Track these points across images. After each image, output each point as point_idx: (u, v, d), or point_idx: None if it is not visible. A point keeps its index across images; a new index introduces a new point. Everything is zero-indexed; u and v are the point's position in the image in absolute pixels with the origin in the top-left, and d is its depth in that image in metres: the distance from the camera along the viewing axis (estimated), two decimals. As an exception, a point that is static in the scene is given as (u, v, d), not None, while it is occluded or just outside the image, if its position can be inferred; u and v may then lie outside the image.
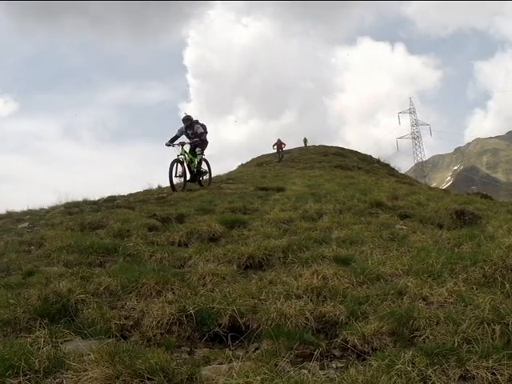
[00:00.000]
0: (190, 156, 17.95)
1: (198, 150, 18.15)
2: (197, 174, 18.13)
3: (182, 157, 17.47)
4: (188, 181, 17.70)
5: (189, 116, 18.30)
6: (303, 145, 57.91)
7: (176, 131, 18.21)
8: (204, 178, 18.80)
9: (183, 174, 17.29)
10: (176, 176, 16.99)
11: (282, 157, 43.61)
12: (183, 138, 18.25)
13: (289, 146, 51.91)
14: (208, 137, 18.59)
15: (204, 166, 18.58)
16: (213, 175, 22.32)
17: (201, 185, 18.38)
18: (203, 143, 18.42)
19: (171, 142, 17.73)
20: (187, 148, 18.03)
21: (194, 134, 18.00)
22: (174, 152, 17.49)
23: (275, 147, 45.07)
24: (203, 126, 18.53)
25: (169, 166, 16.73)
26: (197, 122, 18.50)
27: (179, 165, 17.15)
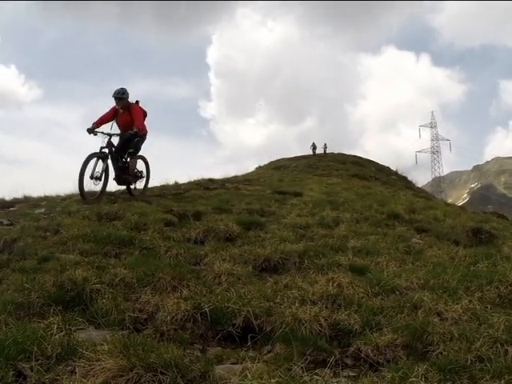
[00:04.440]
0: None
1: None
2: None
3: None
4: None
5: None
6: (312, 152, 55.68)
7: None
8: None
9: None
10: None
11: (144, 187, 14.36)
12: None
13: (304, 152, 50.46)
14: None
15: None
16: (230, 175, 22.07)
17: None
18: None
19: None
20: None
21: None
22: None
23: (106, 141, 12.79)
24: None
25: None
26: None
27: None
